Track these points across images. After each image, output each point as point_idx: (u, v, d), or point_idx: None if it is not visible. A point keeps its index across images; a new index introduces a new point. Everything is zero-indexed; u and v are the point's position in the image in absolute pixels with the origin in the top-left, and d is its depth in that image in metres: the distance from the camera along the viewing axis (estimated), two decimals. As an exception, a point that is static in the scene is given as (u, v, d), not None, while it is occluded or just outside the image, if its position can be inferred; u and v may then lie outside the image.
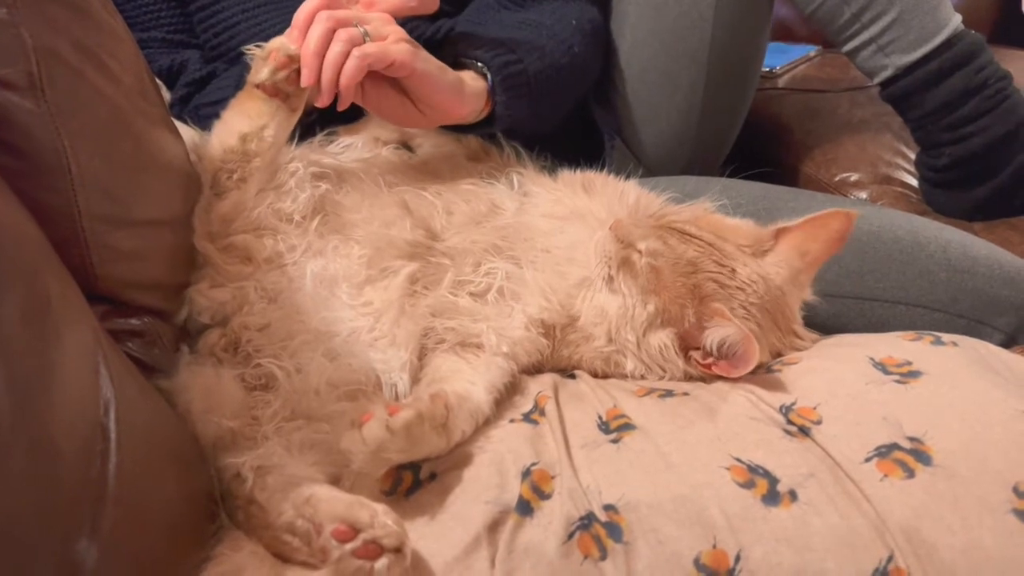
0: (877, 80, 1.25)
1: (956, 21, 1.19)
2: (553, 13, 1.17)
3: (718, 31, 1.25)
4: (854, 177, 1.39)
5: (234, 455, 0.71)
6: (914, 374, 0.76)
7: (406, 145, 1.09)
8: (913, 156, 1.37)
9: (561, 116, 1.16)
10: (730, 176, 1.19)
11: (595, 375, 0.88)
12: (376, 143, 1.06)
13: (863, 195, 1.36)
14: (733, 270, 0.83)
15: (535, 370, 0.90)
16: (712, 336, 0.80)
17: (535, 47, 1.06)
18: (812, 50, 1.89)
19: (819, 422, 0.72)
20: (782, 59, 1.83)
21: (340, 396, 0.79)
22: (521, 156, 1.07)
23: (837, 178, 1.41)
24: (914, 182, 1.36)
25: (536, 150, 1.09)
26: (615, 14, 1.30)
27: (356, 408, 0.77)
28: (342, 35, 0.85)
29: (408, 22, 1.18)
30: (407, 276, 0.89)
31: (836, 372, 0.78)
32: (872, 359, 0.79)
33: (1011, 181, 1.22)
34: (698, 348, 0.83)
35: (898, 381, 0.75)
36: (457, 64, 1.00)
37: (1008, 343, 0.96)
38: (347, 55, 0.85)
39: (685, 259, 0.84)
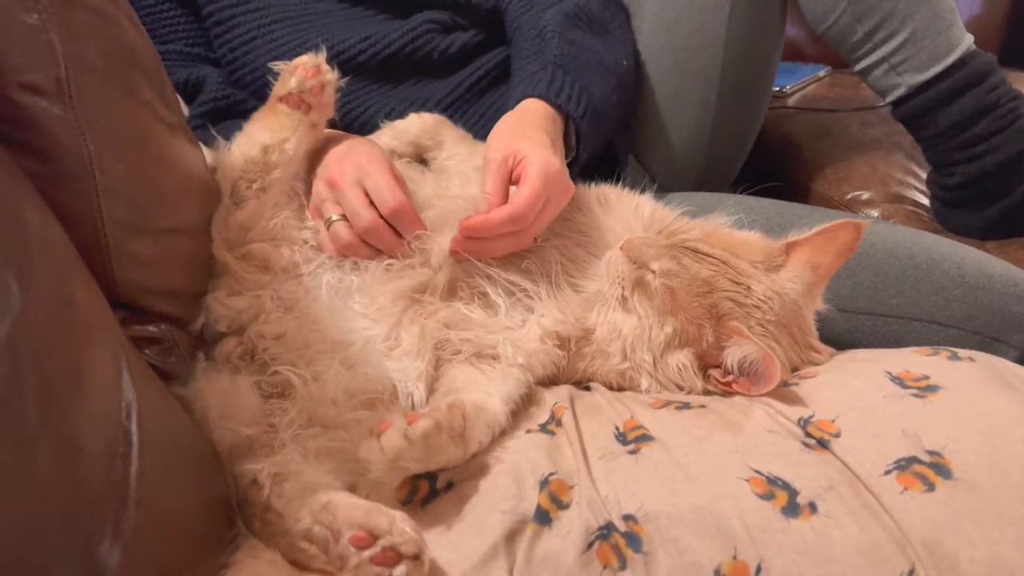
0: (889, 99, 1.26)
1: (968, 41, 1.20)
2: (612, 50, 1.19)
3: (730, 49, 1.26)
4: (865, 195, 1.40)
5: (251, 462, 0.71)
6: (932, 388, 0.75)
7: (420, 159, 1.09)
8: (924, 175, 1.38)
9: None
10: (742, 193, 1.20)
11: (610, 388, 0.88)
12: (391, 157, 1.07)
13: (875, 213, 1.36)
14: (748, 287, 0.84)
15: (550, 382, 0.90)
16: (732, 355, 0.80)
17: (610, 110, 1.10)
18: (822, 70, 1.90)
19: (838, 435, 0.72)
20: (792, 79, 1.84)
21: (357, 405, 0.79)
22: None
23: (848, 196, 1.41)
24: (925, 201, 1.37)
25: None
26: (635, 32, 1.31)
27: (373, 417, 0.77)
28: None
29: (422, 36, 1.20)
30: (422, 288, 0.90)
31: (854, 386, 0.78)
32: (889, 373, 0.79)
33: (1022, 201, 1.22)
34: (717, 366, 0.83)
35: (916, 395, 0.75)
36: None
37: (1023, 360, 0.96)
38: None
39: (700, 279, 0.84)
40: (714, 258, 0.85)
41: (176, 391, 0.76)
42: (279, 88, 0.90)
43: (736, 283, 0.84)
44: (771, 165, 1.56)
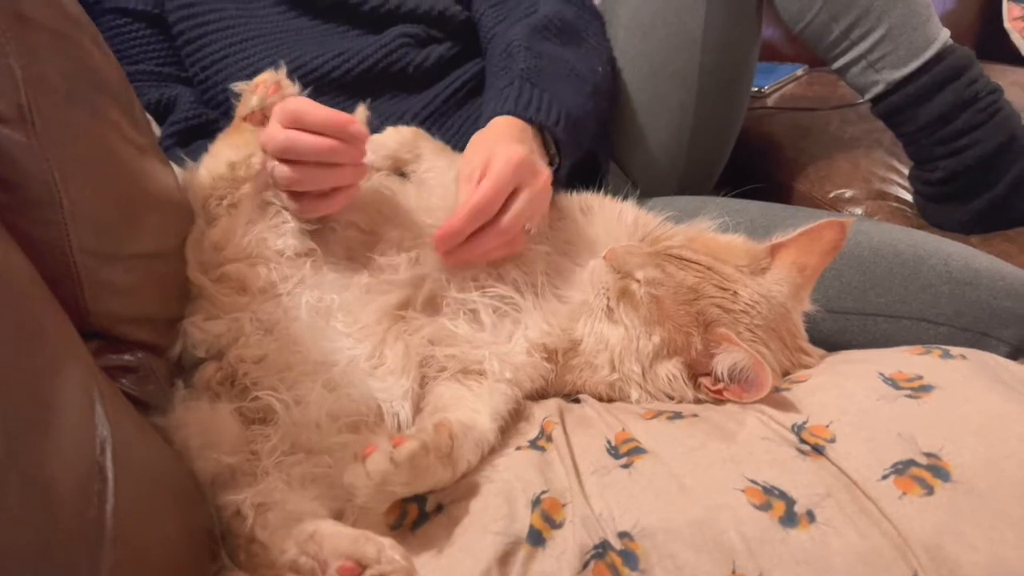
0: (868, 96, 1.25)
1: (945, 35, 1.19)
2: (587, 58, 1.17)
3: (707, 52, 1.25)
4: (848, 193, 1.39)
5: (234, 492, 0.69)
6: (926, 388, 0.74)
7: (399, 172, 1.08)
8: (906, 171, 1.37)
9: None
10: (725, 196, 1.19)
11: (600, 400, 0.87)
12: (369, 171, 1.05)
13: (858, 211, 1.36)
14: (735, 293, 0.82)
15: (539, 395, 0.88)
16: (722, 362, 0.79)
17: (586, 117, 1.08)
18: (800, 69, 1.90)
19: (832, 440, 0.70)
20: (770, 79, 1.84)
21: (341, 428, 0.77)
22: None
23: (831, 195, 1.40)
24: (909, 197, 1.36)
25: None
26: (611, 39, 1.30)
27: (358, 440, 0.75)
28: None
29: (397, 50, 1.19)
30: (406, 304, 0.88)
31: (846, 388, 0.77)
32: (882, 374, 0.78)
33: (1006, 193, 1.22)
34: (707, 374, 0.82)
35: (910, 396, 0.74)
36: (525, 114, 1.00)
37: (1014, 355, 0.95)
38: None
39: (686, 286, 0.82)
40: (699, 264, 0.84)
41: (155, 421, 0.74)
42: (242, 108, 0.89)
43: (722, 289, 0.82)
44: (752, 166, 1.55)
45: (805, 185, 1.44)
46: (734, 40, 1.28)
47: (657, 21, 1.26)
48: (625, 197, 1.04)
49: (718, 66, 1.28)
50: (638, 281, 0.84)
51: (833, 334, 0.99)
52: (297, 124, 0.81)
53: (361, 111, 0.87)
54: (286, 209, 0.87)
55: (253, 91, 0.88)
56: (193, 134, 1.14)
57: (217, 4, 1.19)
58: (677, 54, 1.26)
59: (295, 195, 0.85)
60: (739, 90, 1.36)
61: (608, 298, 0.85)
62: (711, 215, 0.97)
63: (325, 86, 1.15)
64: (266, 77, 0.88)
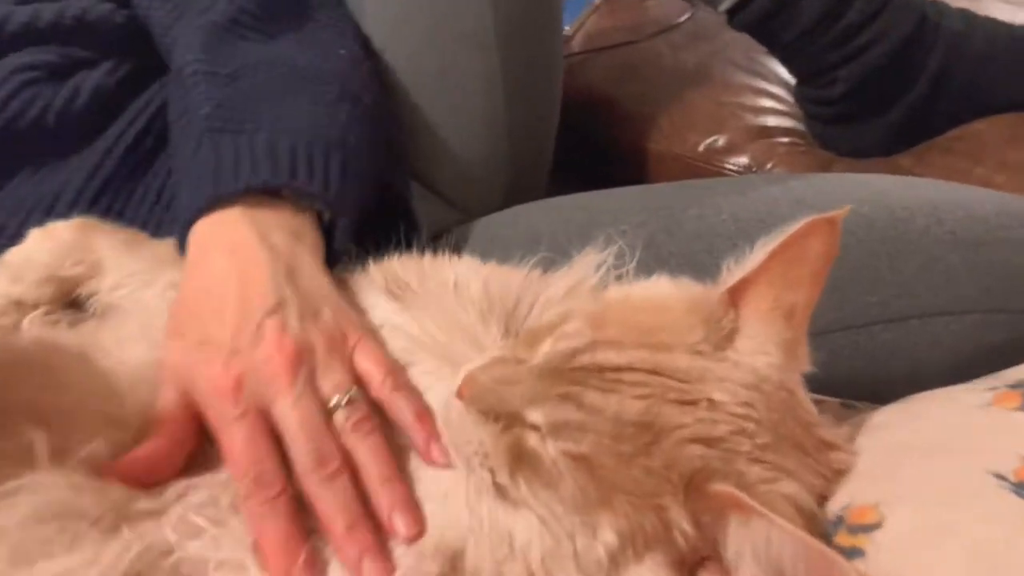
0: (723, 7, 0.92)
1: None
2: (313, 47, 0.78)
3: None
4: (721, 141, 1.06)
5: None
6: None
7: (70, 302, 0.66)
8: (783, 93, 1.06)
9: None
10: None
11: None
12: (16, 312, 0.63)
13: (743, 160, 1.03)
14: (710, 400, 0.45)
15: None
16: (738, 548, 0.41)
17: (335, 121, 0.69)
18: (593, -4, 1.56)
19: None
20: (566, 19, 1.48)
21: None
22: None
23: (701, 148, 1.06)
24: (798, 125, 1.05)
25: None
26: (355, 13, 0.89)
27: None
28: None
29: (19, 93, 0.74)
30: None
31: (965, 532, 0.41)
32: (999, 476, 0.43)
33: (930, 91, 0.94)
34: (708, 558, 0.44)
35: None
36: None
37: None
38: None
39: (628, 421, 0.43)
40: (636, 370, 0.45)
41: None
42: None
43: (688, 403, 0.44)
44: (588, 133, 1.19)
45: (662, 143, 1.09)
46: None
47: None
48: (444, 235, 0.66)
49: (517, 16, 0.91)
50: (535, 429, 0.44)
51: (819, 367, 0.65)
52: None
53: None
54: None
55: None
56: None
57: None
58: (460, 14, 0.89)
59: None
60: (549, 41, 0.99)
61: (493, 472, 0.45)
62: (597, 244, 0.61)
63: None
64: None
